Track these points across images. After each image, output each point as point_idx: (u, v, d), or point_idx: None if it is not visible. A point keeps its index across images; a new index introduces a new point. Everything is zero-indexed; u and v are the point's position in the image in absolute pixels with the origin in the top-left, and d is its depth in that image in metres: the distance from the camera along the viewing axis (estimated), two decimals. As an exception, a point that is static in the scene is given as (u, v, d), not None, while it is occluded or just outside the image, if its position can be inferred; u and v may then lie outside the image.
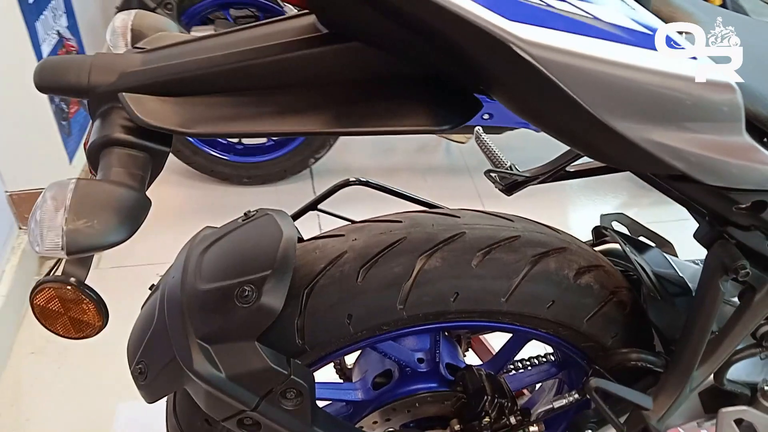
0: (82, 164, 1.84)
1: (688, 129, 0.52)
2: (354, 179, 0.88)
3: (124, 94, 0.52)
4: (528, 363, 0.96)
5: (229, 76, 0.54)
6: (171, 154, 2.06)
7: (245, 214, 0.77)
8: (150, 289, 0.80)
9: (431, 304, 0.72)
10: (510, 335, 0.94)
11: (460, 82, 0.56)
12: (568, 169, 0.94)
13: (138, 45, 0.60)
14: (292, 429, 0.71)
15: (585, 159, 0.95)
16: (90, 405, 1.49)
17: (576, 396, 0.81)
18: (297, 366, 0.70)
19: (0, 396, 1.52)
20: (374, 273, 0.71)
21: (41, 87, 0.54)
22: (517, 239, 0.74)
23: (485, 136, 0.97)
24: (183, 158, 2.16)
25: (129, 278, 1.81)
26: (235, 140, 2.23)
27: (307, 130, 0.54)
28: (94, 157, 0.52)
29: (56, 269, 0.53)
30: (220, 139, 2.21)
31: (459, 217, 0.77)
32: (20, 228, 1.81)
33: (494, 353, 1.22)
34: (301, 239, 0.78)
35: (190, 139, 2.13)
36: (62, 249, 0.44)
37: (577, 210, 2.28)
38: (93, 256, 0.53)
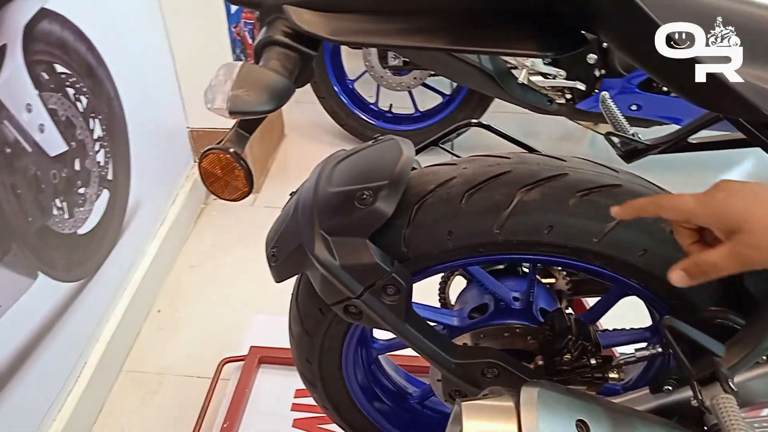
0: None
1: None
2: (476, 122, 0.96)
3: (287, 6, 0.65)
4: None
5: (373, -1, 0.65)
6: (328, 116, 2.26)
7: (374, 138, 0.90)
8: (290, 195, 0.94)
9: (525, 233, 0.79)
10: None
11: (569, 19, 0.63)
12: (689, 140, 0.95)
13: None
14: (387, 321, 0.81)
15: (707, 132, 0.96)
16: (231, 314, 1.72)
17: (659, 349, 0.83)
18: (399, 267, 0.80)
19: (162, 296, 1.80)
20: (477, 197, 0.79)
21: (227, -1, 0.69)
22: (618, 187, 0.79)
23: (610, 101, 1.01)
24: (337, 119, 2.36)
25: (279, 217, 2.05)
26: (386, 108, 2.39)
27: (433, 45, 0.64)
28: (258, 52, 0.65)
29: (222, 142, 0.67)
30: (372, 106, 2.38)
31: (565, 161, 0.82)
32: (195, 161, 2.10)
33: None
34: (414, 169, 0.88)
35: (345, 100, 2.32)
36: (226, 109, 0.58)
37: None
38: (250, 136, 0.67)
